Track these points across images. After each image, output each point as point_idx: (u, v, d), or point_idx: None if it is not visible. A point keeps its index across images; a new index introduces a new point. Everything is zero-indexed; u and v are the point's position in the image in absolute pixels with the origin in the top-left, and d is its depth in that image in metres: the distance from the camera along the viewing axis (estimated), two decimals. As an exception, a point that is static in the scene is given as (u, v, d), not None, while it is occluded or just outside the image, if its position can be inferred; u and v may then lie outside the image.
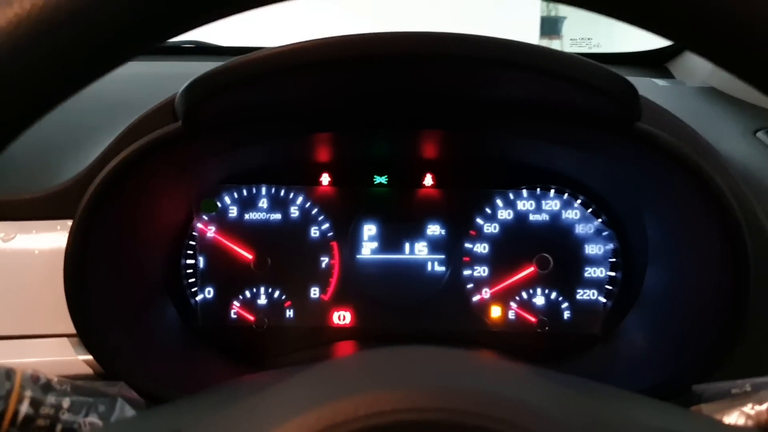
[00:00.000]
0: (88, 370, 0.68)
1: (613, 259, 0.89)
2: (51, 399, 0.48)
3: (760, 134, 0.94)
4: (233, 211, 0.90)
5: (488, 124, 0.80)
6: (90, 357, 0.67)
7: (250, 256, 0.89)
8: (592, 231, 0.89)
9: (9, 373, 0.47)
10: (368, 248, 0.91)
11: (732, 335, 0.65)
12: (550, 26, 3.78)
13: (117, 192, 0.67)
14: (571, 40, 3.69)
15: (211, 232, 0.90)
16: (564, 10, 3.81)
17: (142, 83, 1.03)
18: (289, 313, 0.90)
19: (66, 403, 0.49)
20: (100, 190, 0.65)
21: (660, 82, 1.17)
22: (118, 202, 0.69)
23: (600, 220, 0.89)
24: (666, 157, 0.63)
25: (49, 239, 0.71)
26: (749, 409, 0.46)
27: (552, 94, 0.67)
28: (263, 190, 0.91)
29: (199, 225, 0.89)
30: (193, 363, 0.82)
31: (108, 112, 0.88)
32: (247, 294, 0.90)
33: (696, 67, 1.24)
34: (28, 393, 0.47)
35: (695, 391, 0.51)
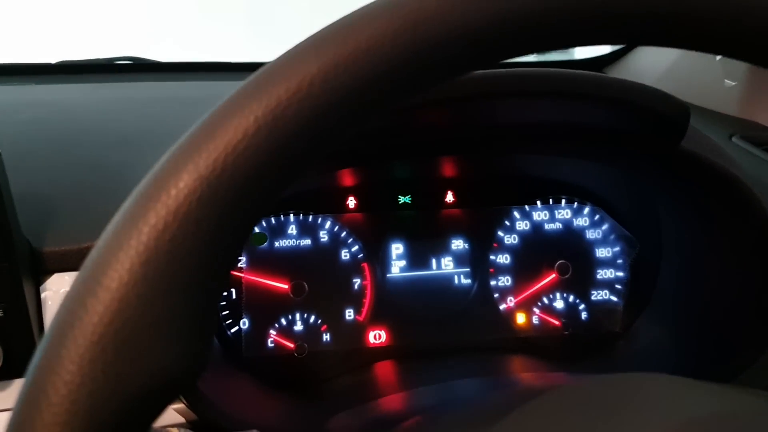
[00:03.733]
0: (179, 419, 0.67)
1: (620, 261, 0.97)
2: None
3: (735, 139, 1.04)
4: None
5: (515, 147, 0.85)
6: (178, 406, 0.67)
7: (285, 286, 0.90)
8: (601, 236, 0.97)
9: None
10: (397, 267, 0.94)
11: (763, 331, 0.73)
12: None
13: None
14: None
15: (242, 263, 0.89)
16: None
17: (122, 108, 1.02)
18: (326, 337, 0.92)
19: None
20: None
21: None
22: None
23: (608, 225, 0.97)
24: (709, 178, 0.70)
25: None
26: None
27: (596, 118, 0.72)
28: (291, 218, 0.92)
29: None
30: (255, 396, 0.82)
31: (122, 144, 0.86)
32: (283, 321, 0.91)
33: (632, 77, 1.34)
34: (195, 456, 0.48)
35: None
